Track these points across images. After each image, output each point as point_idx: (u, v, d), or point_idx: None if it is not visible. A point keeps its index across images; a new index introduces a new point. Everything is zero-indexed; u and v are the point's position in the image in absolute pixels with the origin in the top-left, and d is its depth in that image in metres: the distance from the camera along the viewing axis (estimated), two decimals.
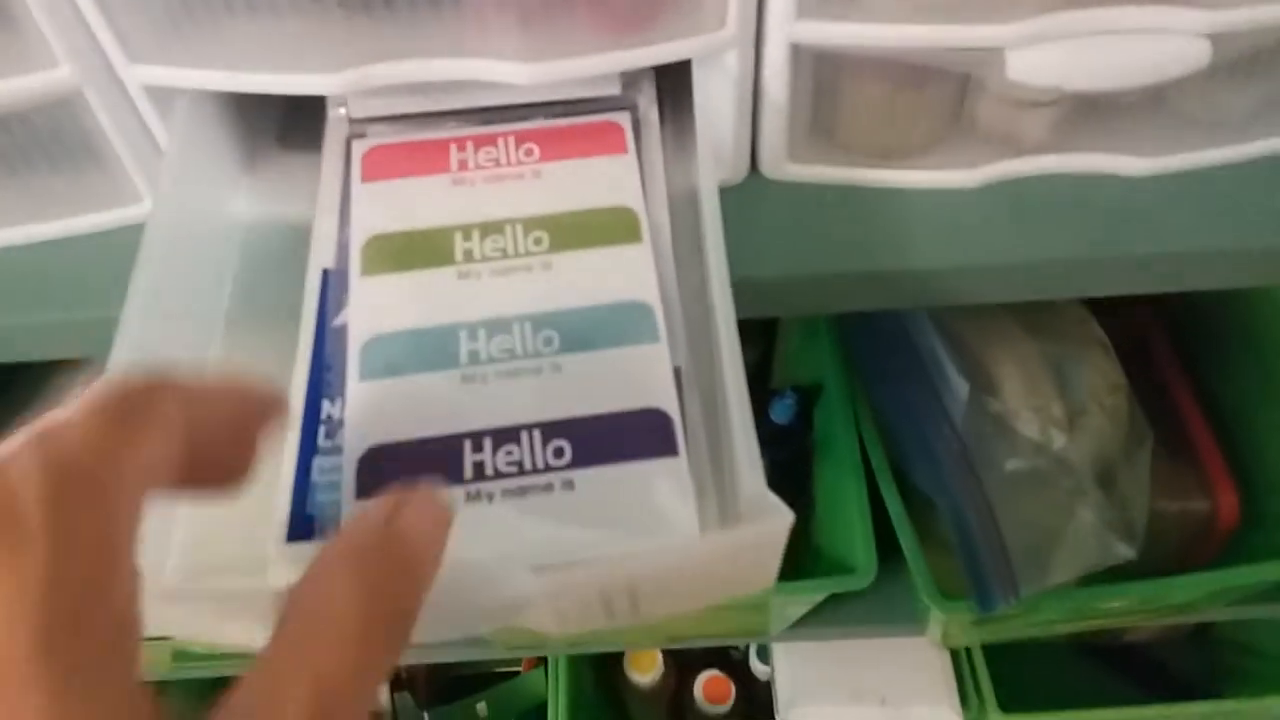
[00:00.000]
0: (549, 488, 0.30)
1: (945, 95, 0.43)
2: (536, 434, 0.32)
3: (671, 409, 0.33)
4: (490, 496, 0.30)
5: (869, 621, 0.78)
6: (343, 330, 0.35)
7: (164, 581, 0.31)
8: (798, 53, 0.42)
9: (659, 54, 0.41)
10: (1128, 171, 0.47)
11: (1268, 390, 0.76)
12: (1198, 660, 1.09)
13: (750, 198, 0.48)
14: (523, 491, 0.30)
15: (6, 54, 0.39)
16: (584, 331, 0.35)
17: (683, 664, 1.12)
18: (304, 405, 0.33)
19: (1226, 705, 0.96)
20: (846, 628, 0.79)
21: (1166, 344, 0.80)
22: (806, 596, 0.70)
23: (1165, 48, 0.40)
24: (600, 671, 1.11)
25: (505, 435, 0.31)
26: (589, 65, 0.39)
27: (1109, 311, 0.70)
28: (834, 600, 0.74)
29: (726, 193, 0.48)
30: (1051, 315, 0.70)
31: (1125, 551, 0.59)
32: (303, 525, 0.30)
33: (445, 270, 0.37)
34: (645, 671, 1.07)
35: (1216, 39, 0.40)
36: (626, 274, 0.37)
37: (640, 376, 0.33)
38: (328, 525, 0.31)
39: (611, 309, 0.35)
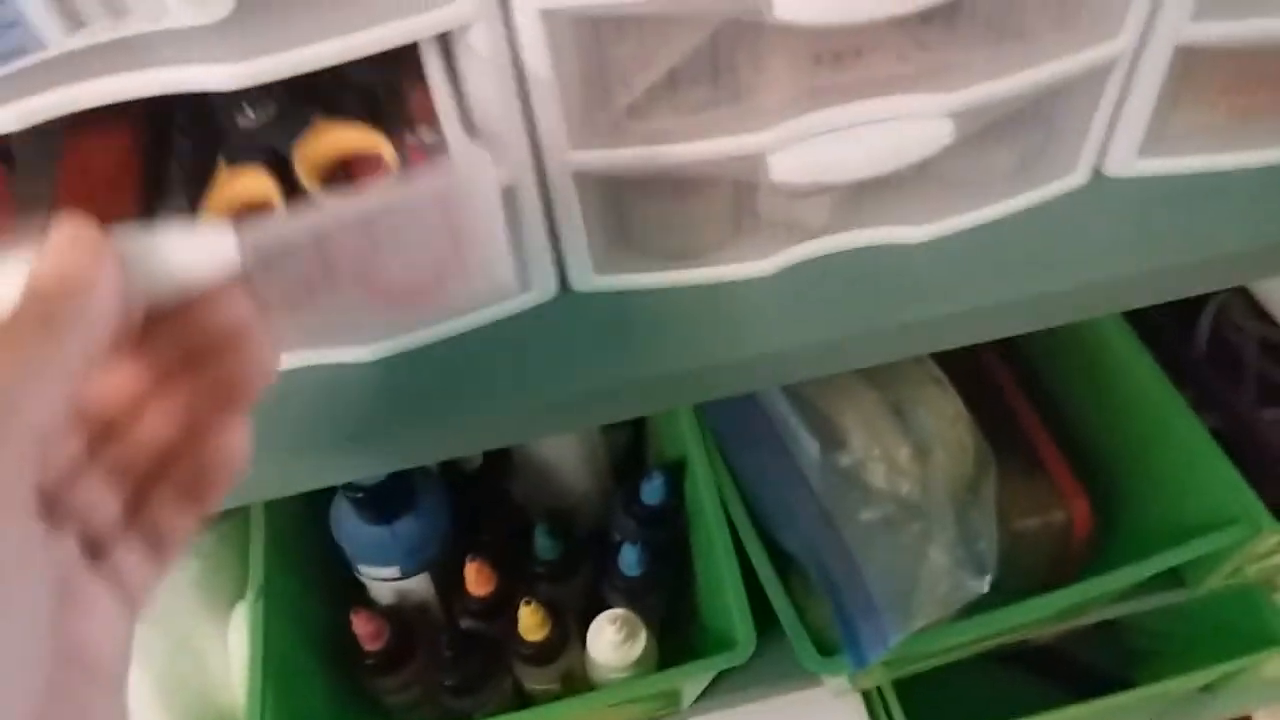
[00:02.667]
0: None
1: (723, 198, 0.45)
2: None
3: None
4: None
5: (768, 682, 0.78)
6: None
7: None
8: (580, 178, 0.44)
9: None
10: (908, 240, 0.49)
11: (1104, 402, 0.80)
12: (1108, 651, 1.13)
13: (563, 314, 0.49)
14: None
15: None
16: None
17: None
18: None
19: (1140, 693, 0.99)
20: (749, 690, 0.80)
21: (1005, 367, 0.84)
22: (696, 677, 0.71)
23: (912, 132, 0.43)
24: None
25: None
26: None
27: None
28: (730, 669, 0.74)
29: (540, 310, 0.49)
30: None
31: (978, 586, 0.62)
32: None
33: None
34: None
35: (959, 116, 0.43)
36: None
37: None
38: None
39: None
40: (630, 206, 0.46)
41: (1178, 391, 0.74)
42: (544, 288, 0.49)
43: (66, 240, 0.27)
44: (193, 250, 0.28)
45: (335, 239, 0.30)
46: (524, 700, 0.75)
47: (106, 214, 0.35)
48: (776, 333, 0.48)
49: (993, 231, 0.50)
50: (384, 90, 0.42)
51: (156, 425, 0.30)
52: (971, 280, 0.48)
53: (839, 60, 0.40)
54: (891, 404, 0.68)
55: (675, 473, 0.77)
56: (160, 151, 0.44)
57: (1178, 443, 0.73)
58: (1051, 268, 0.49)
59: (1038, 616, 0.63)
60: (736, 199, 0.45)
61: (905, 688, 0.93)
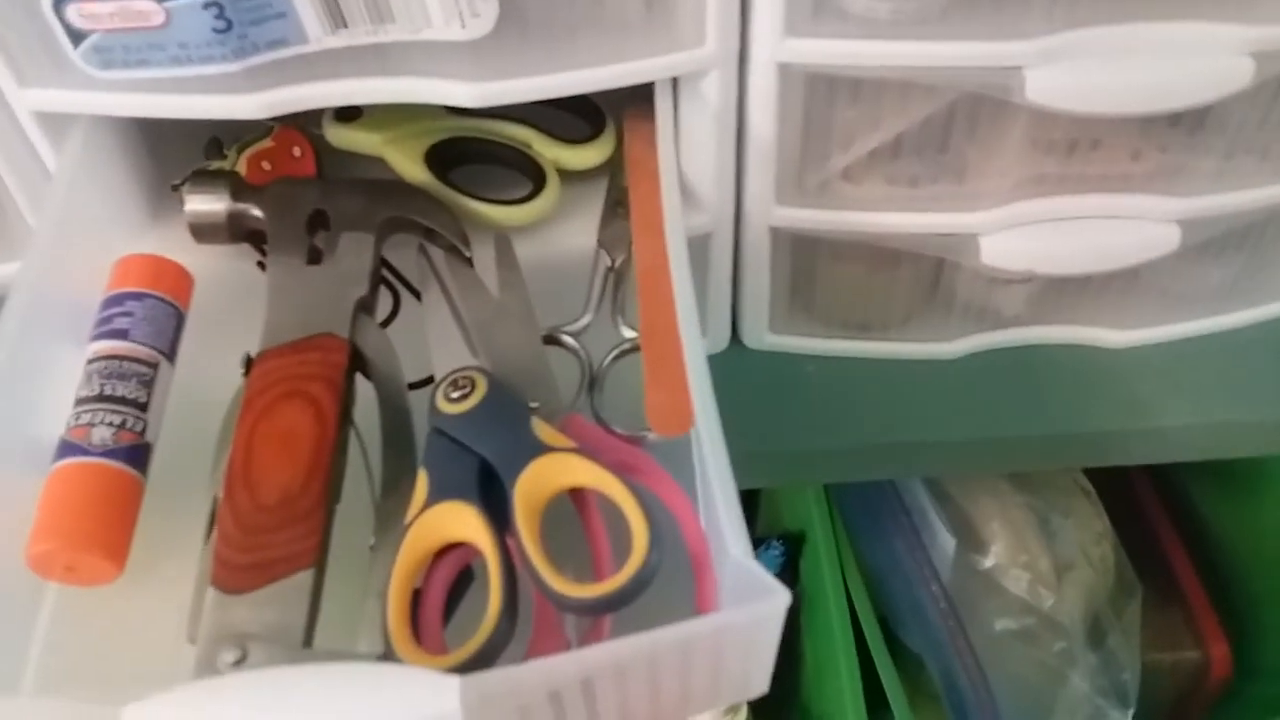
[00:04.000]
0: None
1: (921, 273, 0.44)
2: None
3: None
4: None
5: None
6: None
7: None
8: (776, 235, 0.43)
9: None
10: (1105, 343, 0.47)
11: (1257, 537, 0.75)
12: None
13: (729, 368, 0.48)
14: None
15: None
16: None
17: None
18: None
19: None
20: None
21: (1151, 487, 0.80)
22: None
23: (1136, 234, 0.41)
24: None
25: None
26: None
27: None
28: None
29: (709, 360, 0.49)
30: None
31: (1119, 717, 0.58)
32: None
33: None
34: None
35: (1186, 224, 0.41)
36: None
37: None
38: None
39: None
40: (819, 269, 0.45)
41: None
42: (717, 338, 0.48)
43: None
44: (407, 703, 0.23)
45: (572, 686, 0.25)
46: None
47: (274, 550, 0.31)
48: (949, 421, 0.46)
49: (1193, 348, 0.47)
50: None
51: None
52: (1164, 397, 0.46)
53: (1073, 149, 0.39)
54: (1039, 511, 0.65)
55: (793, 543, 0.75)
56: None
57: None
58: (1249, 396, 0.46)
59: None
60: (934, 276, 0.44)
61: None
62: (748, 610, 0.26)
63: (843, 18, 0.35)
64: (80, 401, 0.34)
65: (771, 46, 0.36)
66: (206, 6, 0.33)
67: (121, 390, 0.35)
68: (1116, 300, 0.46)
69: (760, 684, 0.29)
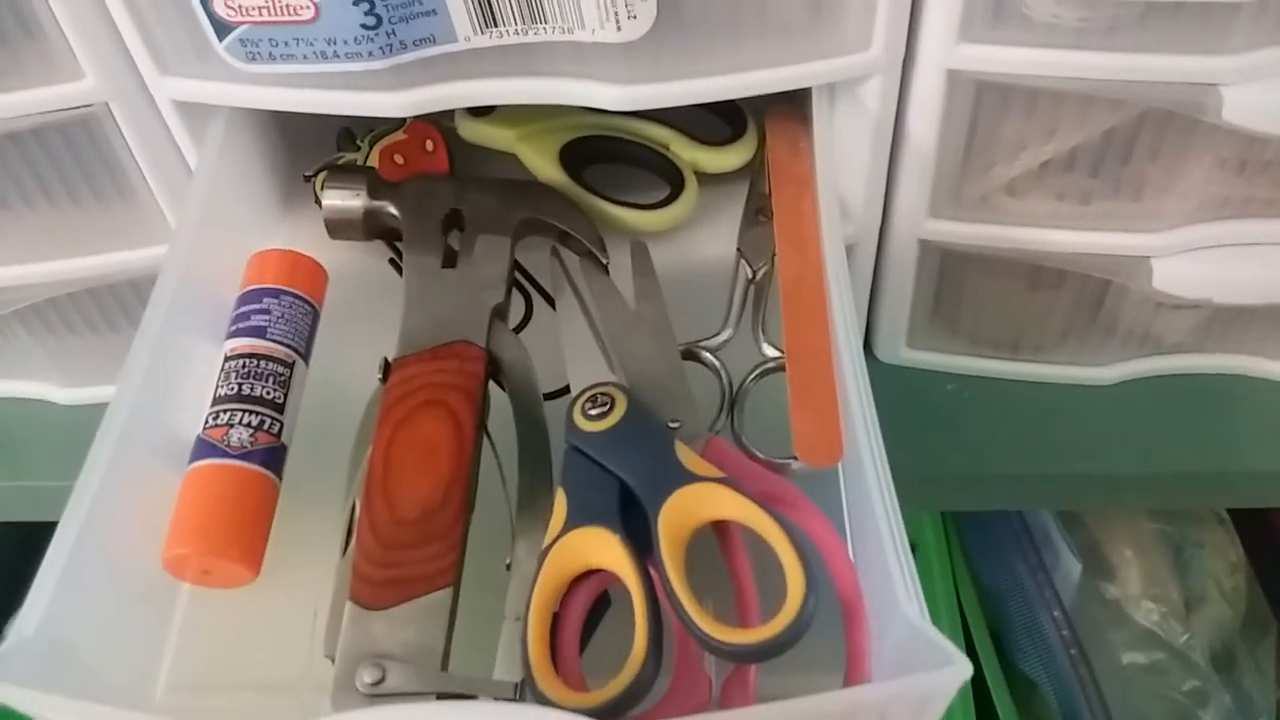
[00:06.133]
0: None
1: (1084, 294, 0.41)
2: None
3: None
4: None
5: None
6: None
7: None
8: (924, 247, 0.41)
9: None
10: (1271, 375, 0.44)
11: None
12: None
13: None
14: None
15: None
16: None
17: None
18: None
19: None
20: None
21: None
22: None
23: None
24: None
25: None
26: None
27: None
28: None
29: None
30: None
31: None
32: None
33: None
34: None
35: None
36: None
37: None
38: None
39: None
40: (969, 284, 0.43)
41: None
42: None
43: None
44: None
45: None
46: None
47: (412, 568, 0.30)
48: (1095, 452, 0.43)
49: None
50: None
51: None
52: None
53: (1264, 171, 0.36)
54: (1171, 539, 0.61)
55: None
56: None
57: None
58: None
59: None
60: (1097, 298, 0.41)
61: None
62: (922, 680, 0.24)
63: (1025, 24, 0.32)
64: (218, 400, 0.34)
65: (943, 52, 0.33)
66: (357, 2, 0.32)
67: (259, 390, 0.34)
68: None
69: None
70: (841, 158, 0.38)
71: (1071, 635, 0.60)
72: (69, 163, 0.39)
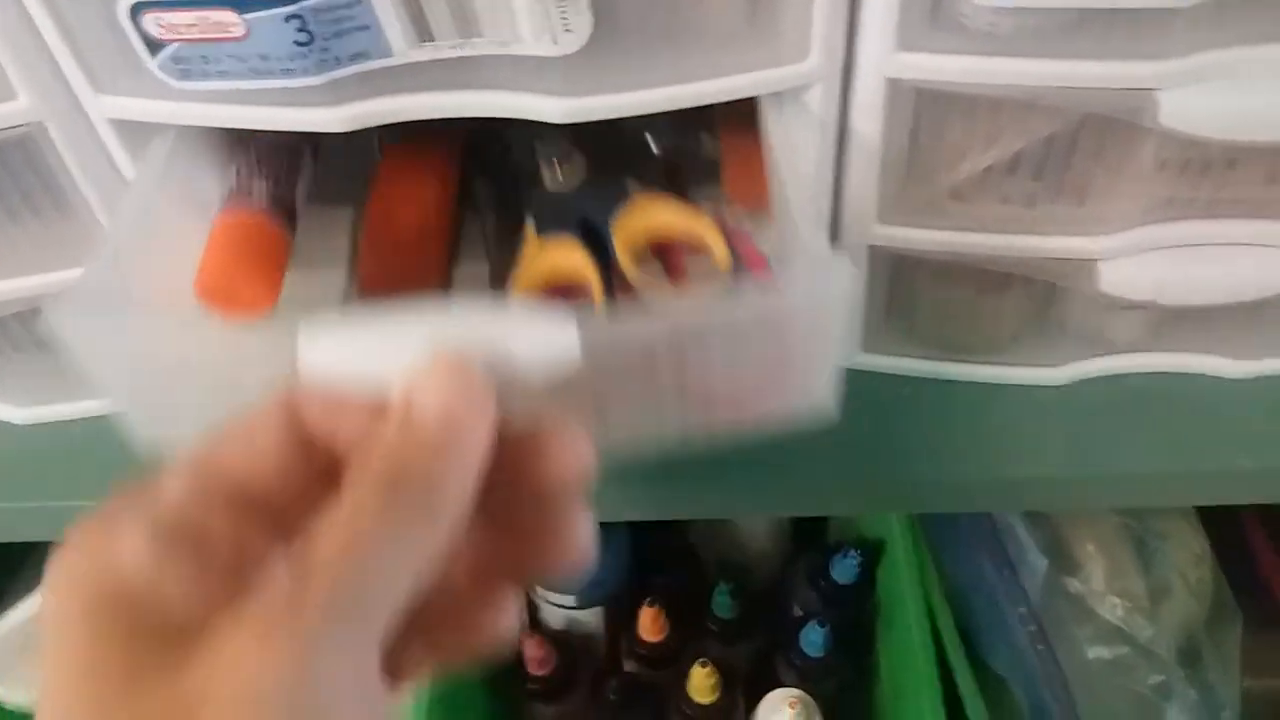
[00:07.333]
0: None
1: (1032, 297, 0.41)
2: None
3: None
4: None
5: None
6: None
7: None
8: (875, 253, 0.40)
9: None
10: (1221, 373, 0.44)
11: None
12: None
13: None
14: None
15: None
16: None
17: None
18: None
19: None
20: None
21: (1253, 507, 0.76)
22: None
23: (1270, 263, 0.38)
24: None
25: None
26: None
27: None
28: None
29: None
30: None
31: None
32: None
33: None
34: None
35: None
36: None
37: None
38: None
39: None
40: (920, 289, 0.43)
41: None
42: None
43: (447, 379, 0.23)
44: (534, 345, 0.25)
45: (664, 346, 0.27)
46: None
47: (409, 275, 0.34)
48: (1051, 454, 0.43)
49: None
50: (689, 161, 0.40)
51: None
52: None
53: (1205, 172, 0.36)
54: (1134, 531, 0.62)
55: (870, 552, 0.72)
56: (461, 209, 0.43)
57: None
58: None
59: None
60: (1045, 301, 0.41)
61: None
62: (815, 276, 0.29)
63: (961, 32, 0.32)
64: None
65: (882, 61, 0.33)
66: (289, 19, 0.32)
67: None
68: (1239, 328, 0.42)
69: (824, 394, 0.31)
70: (787, 170, 0.38)
71: (1038, 631, 0.60)
72: (5, 182, 0.39)
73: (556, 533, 0.25)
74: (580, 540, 0.25)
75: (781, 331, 0.29)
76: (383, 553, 0.21)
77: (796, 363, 0.29)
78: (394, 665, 0.23)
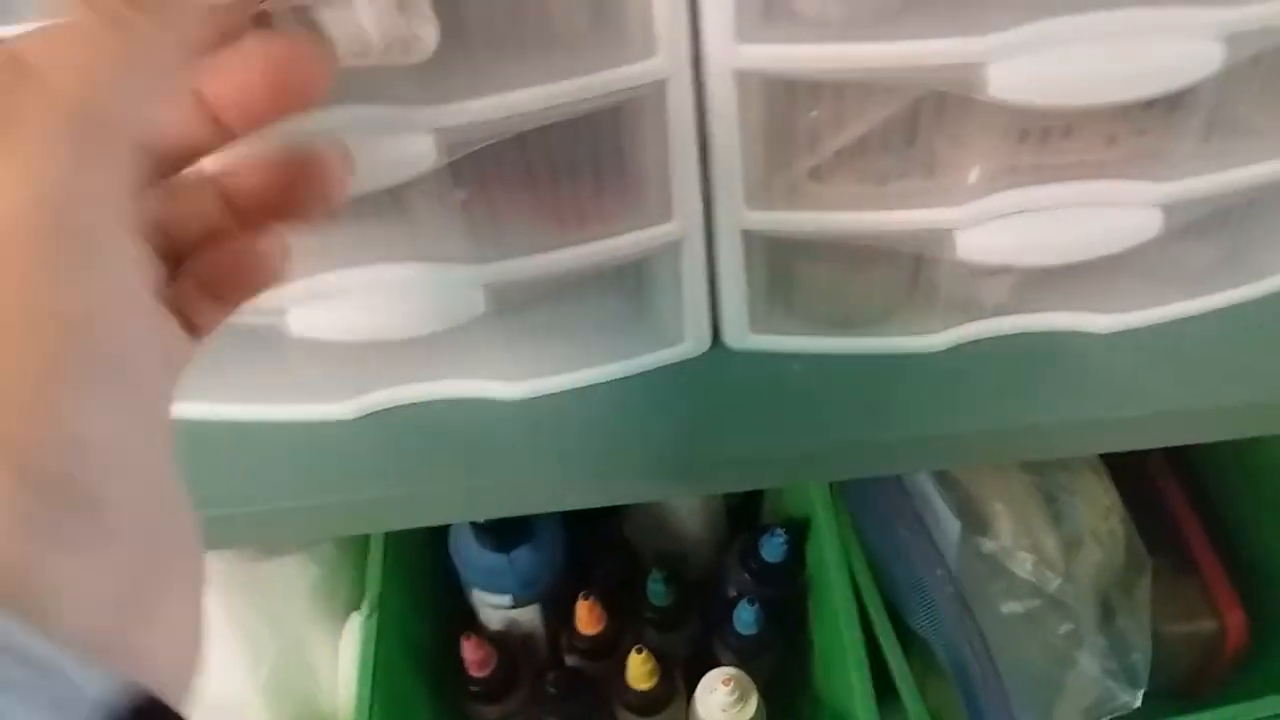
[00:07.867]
0: None
1: (899, 269, 0.43)
2: None
3: None
4: None
5: None
6: None
7: None
8: (749, 238, 0.42)
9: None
10: (1092, 328, 0.46)
11: (1269, 505, 0.74)
12: None
13: (713, 370, 0.47)
14: None
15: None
16: None
17: None
18: None
19: None
20: None
21: (1162, 459, 0.79)
22: None
23: (1116, 220, 0.40)
24: None
25: None
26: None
27: None
28: None
29: (691, 364, 0.48)
30: None
31: (1130, 700, 0.57)
32: None
33: None
34: None
35: (1168, 208, 0.40)
36: None
37: None
38: None
39: None
40: (797, 269, 0.44)
41: None
42: (698, 341, 0.47)
43: None
44: None
45: None
46: None
47: None
48: (939, 415, 0.45)
49: (1184, 329, 0.46)
50: None
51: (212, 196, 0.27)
52: (1155, 380, 0.45)
53: (1045, 138, 0.38)
54: (1043, 489, 0.64)
55: (798, 531, 0.74)
56: None
57: None
58: (1242, 377, 0.45)
59: None
60: (913, 271, 0.43)
61: None
62: None
63: (795, 21, 0.34)
64: None
65: (726, 54, 0.35)
66: None
67: None
68: (1102, 285, 0.45)
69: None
70: (654, 161, 0.39)
71: (955, 591, 0.62)
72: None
73: (309, 161, 0.27)
74: (333, 169, 0.27)
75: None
76: (117, 66, 0.21)
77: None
78: (186, 320, 0.25)
